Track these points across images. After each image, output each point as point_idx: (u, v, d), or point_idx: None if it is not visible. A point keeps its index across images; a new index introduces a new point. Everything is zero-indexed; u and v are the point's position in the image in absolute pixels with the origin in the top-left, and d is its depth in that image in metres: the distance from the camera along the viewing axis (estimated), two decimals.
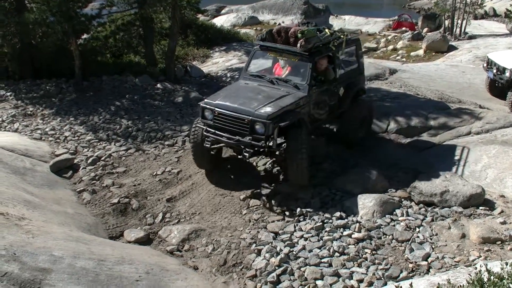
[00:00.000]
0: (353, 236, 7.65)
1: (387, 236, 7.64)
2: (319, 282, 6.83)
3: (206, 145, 8.91)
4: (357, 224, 7.89)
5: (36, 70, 15.79)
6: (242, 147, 8.69)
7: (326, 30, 10.00)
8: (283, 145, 8.93)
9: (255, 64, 10.24)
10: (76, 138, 11.67)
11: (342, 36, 10.10)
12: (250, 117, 8.40)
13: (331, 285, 6.76)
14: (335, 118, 10.76)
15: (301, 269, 7.07)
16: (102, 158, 10.53)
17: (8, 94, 14.45)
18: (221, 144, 9.20)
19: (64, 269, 5.74)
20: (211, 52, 22.31)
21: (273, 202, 8.74)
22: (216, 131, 8.76)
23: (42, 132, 11.92)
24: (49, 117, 12.94)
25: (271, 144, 8.48)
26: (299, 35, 9.31)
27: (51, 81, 15.30)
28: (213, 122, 8.79)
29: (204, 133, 8.91)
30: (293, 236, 7.80)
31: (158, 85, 15.60)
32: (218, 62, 20.62)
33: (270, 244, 7.64)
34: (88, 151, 10.97)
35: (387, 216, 8.15)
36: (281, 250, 7.49)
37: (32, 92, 14.58)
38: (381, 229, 7.81)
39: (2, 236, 5.85)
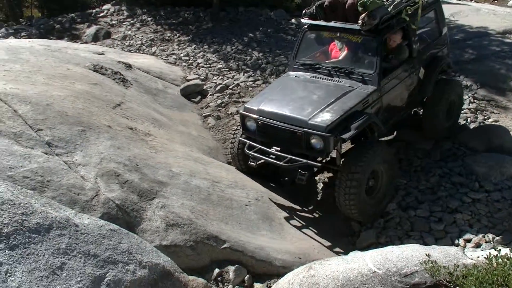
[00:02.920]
0: (469, 194, 7.18)
1: (507, 201, 7.06)
2: (425, 235, 6.60)
3: (252, 163, 7.03)
4: (476, 183, 7.37)
5: None
6: (297, 168, 6.72)
7: None
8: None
9: (306, 49, 7.80)
10: (208, 65, 11.97)
11: (417, 1, 7.44)
12: (304, 129, 6.36)
13: (436, 239, 6.51)
14: (415, 107, 8.62)
15: (409, 219, 6.85)
16: (230, 87, 10.73)
17: (149, 19, 15.10)
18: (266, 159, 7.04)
19: (179, 185, 6.01)
20: None
21: None
22: (262, 147, 6.87)
23: (176, 57, 12.39)
24: (185, 44, 13.37)
25: (330, 158, 6.77)
26: (360, 8, 6.85)
27: (189, 9, 15.72)
28: (256, 135, 6.94)
29: (247, 151, 6.99)
30: (407, 186, 7.55)
31: (293, 20, 15.45)
32: None
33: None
34: (217, 78, 11.23)
35: (510, 179, 7.49)
36: (393, 196, 7.29)
37: (171, 19, 15.08)
38: (501, 192, 7.22)
39: (128, 148, 6.21)
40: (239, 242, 5.62)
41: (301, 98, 6.86)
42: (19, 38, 13.57)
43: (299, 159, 6.50)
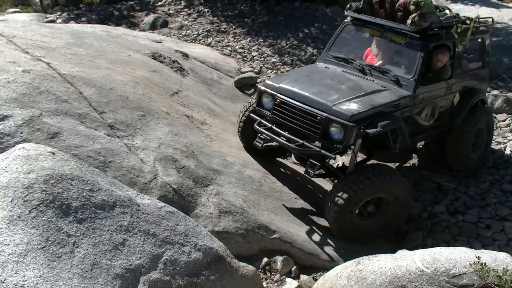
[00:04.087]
0: None
1: None
2: (472, 241, 6.59)
3: (257, 143, 6.48)
4: None
5: None
6: (307, 157, 6.22)
7: (447, 11, 7.22)
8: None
9: (342, 44, 7.37)
10: (262, 59, 12.08)
11: (468, 23, 7.11)
12: (325, 114, 5.82)
13: (483, 246, 6.46)
14: (440, 133, 7.68)
15: (457, 224, 6.82)
16: None
17: (206, 10, 15.30)
18: (275, 144, 6.70)
19: (233, 174, 6.17)
20: None
21: None
22: (273, 127, 6.37)
23: (231, 49, 12.54)
24: (240, 36, 13.51)
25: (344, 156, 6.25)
26: (412, 7, 6.53)
27: (246, 2, 15.86)
28: (271, 114, 6.41)
29: (256, 127, 6.51)
30: (456, 190, 7.49)
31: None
32: None
33: (430, 193, 7.43)
34: (271, 72, 11.32)
35: None
36: (440, 200, 7.26)
37: (228, 11, 15.24)
38: None
39: (185, 135, 6.39)
40: (288, 233, 5.74)
41: (328, 85, 6.40)
42: (79, 23, 13.97)
43: (312, 146, 6.00)
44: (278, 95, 6.27)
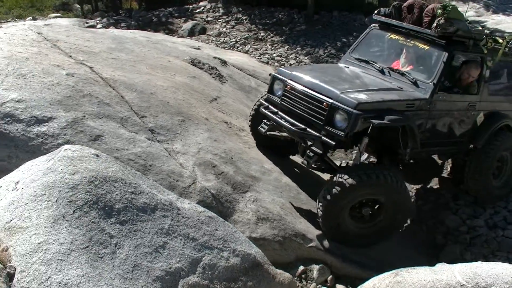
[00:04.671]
0: None
1: None
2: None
3: (262, 128, 6.38)
4: None
5: None
6: (307, 144, 5.88)
7: (479, 27, 6.82)
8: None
9: (366, 47, 7.15)
10: None
11: (501, 42, 6.78)
12: (331, 100, 5.57)
13: None
14: (458, 152, 7.20)
15: (496, 239, 6.68)
16: None
17: (244, 17, 15.42)
18: (280, 133, 6.54)
19: (270, 181, 6.17)
20: None
21: None
22: (279, 112, 6.21)
23: (269, 57, 12.60)
24: (278, 44, 13.57)
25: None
26: (439, 11, 6.23)
27: (284, 10, 15.93)
28: (280, 101, 6.25)
29: (262, 109, 6.41)
30: (495, 205, 7.36)
31: None
32: None
33: (469, 206, 7.31)
34: None
35: None
36: (479, 214, 7.12)
37: (266, 19, 15.33)
38: None
39: (224, 141, 6.42)
40: (324, 242, 5.70)
41: (341, 78, 6.27)
42: (119, 29, 14.22)
43: (314, 132, 5.73)
44: (289, 81, 6.15)
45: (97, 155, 4.10)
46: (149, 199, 3.97)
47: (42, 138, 5.01)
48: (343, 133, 5.43)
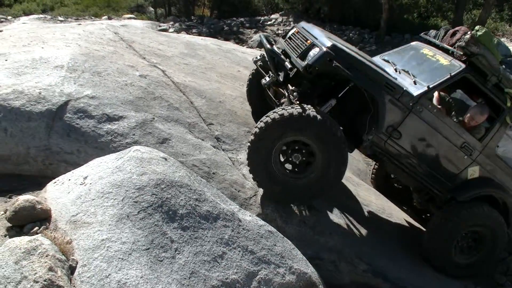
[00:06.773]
0: None
1: None
2: None
3: (264, 81, 5.91)
4: None
5: (344, 16, 16.43)
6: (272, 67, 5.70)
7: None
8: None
9: (397, 55, 6.75)
10: None
11: None
12: (316, 41, 5.38)
13: None
14: (429, 193, 6.27)
15: None
16: None
17: None
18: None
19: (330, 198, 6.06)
20: None
21: None
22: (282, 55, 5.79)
23: None
24: None
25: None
26: (473, 31, 5.69)
27: (355, 29, 15.82)
28: (284, 41, 6.17)
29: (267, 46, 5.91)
30: None
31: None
32: None
33: None
34: None
35: None
36: None
37: (336, 36, 15.26)
38: None
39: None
40: (380, 268, 5.57)
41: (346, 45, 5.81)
42: (190, 34, 14.45)
43: (286, 62, 5.47)
44: (298, 25, 6.16)
45: (166, 159, 4.15)
46: (212, 207, 3.97)
47: (111, 136, 5.10)
48: (304, 63, 5.18)
